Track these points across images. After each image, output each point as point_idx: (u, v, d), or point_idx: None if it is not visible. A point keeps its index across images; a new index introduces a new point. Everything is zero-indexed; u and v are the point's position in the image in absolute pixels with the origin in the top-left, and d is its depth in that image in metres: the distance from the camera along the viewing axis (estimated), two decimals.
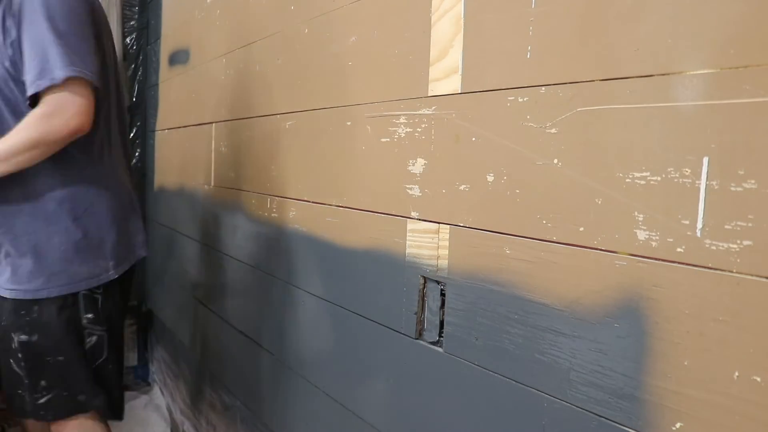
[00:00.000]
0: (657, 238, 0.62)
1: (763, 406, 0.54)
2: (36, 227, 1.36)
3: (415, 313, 0.98)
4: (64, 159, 1.34)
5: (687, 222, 0.60)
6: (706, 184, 0.58)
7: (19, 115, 1.29)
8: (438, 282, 0.94)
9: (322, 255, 1.25)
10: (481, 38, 0.85)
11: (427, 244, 0.95)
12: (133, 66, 2.71)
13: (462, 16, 0.88)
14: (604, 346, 0.68)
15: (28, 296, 1.35)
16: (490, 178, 0.83)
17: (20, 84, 1.28)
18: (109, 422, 1.50)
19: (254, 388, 1.62)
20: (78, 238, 1.37)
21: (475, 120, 0.86)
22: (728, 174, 0.56)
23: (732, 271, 0.56)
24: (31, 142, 1.24)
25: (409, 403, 1.00)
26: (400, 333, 1.01)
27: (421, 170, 0.96)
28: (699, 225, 0.59)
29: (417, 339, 0.98)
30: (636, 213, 0.65)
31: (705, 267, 0.58)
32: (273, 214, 1.47)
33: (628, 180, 0.65)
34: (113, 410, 1.47)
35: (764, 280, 0.54)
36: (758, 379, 0.54)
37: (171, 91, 2.35)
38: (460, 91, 0.89)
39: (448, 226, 0.91)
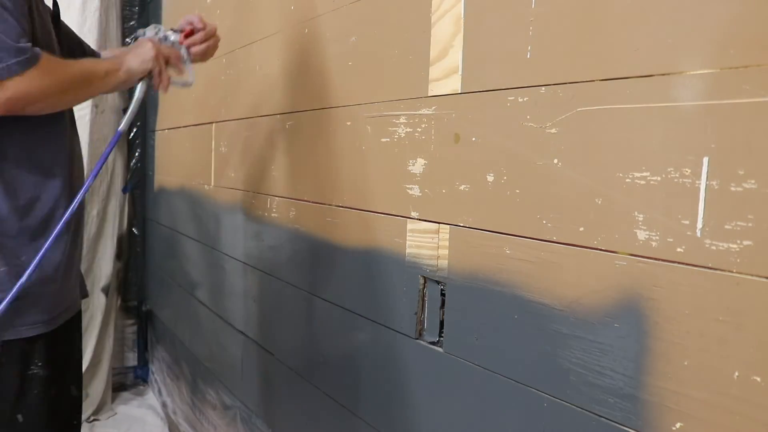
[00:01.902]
0: (657, 238, 0.62)
1: (763, 406, 0.54)
2: None
3: (415, 313, 0.98)
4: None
5: (687, 222, 0.60)
6: (706, 184, 0.58)
7: None
8: (438, 282, 0.94)
9: (321, 255, 1.25)
10: (481, 38, 0.85)
11: (427, 244, 0.95)
12: None
13: (462, 16, 0.88)
14: (604, 346, 0.68)
15: None
16: (490, 178, 0.83)
17: None
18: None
19: (254, 388, 1.62)
20: None
21: (475, 120, 0.86)
22: (728, 174, 0.56)
23: (732, 271, 0.56)
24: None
25: (409, 403, 1.00)
26: (400, 333, 1.01)
27: (421, 170, 0.96)
28: (699, 225, 0.59)
29: (417, 339, 0.98)
30: (636, 213, 0.65)
31: (705, 267, 0.58)
32: (273, 214, 1.47)
33: (628, 180, 0.65)
34: None
35: (764, 280, 0.54)
36: (758, 379, 0.54)
37: (171, 91, 2.34)
38: (460, 91, 0.89)
39: (448, 226, 0.91)
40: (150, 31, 1.29)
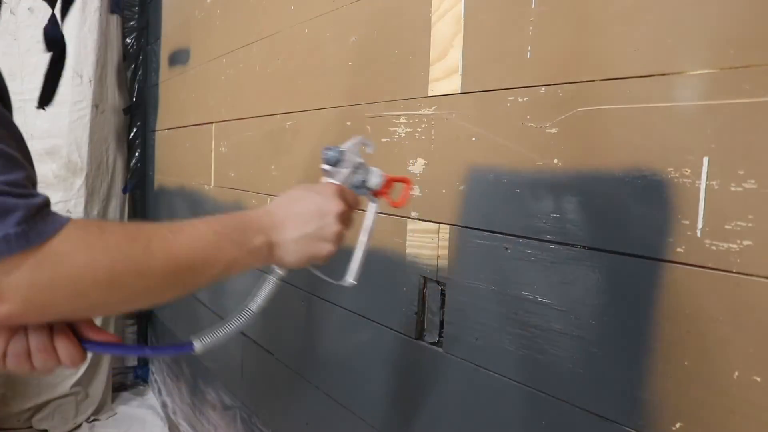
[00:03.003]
0: (657, 238, 0.62)
1: (763, 406, 0.54)
2: None
3: (416, 314, 0.98)
4: None
5: (687, 222, 0.60)
6: (706, 184, 0.58)
7: None
8: (438, 282, 0.94)
9: None
10: (481, 38, 0.85)
11: (427, 244, 0.95)
12: (133, 66, 2.71)
13: (462, 16, 0.88)
14: (604, 346, 0.68)
15: None
16: (490, 178, 0.83)
17: None
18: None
19: (254, 388, 1.62)
20: None
21: (475, 120, 0.86)
22: (728, 174, 0.56)
23: (732, 271, 0.56)
24: None
25: (409, 403, 1.00)
26: (401, 333, 1.01)
27: (421, 170, 0.96)
28: (699, 225, 0.59)
29: (417, 339, 0.98)
30: (636, 213, 0.65)
31: (705, 267, 0.58)
32: None
33: (628, 180, 0.65)
34: None
35: (764, 280, 0.54)
36: (758, 379, 0.54)
37: (171, 91, 2.34)
38: (460, 91, 0.89)
39: (448, 226, 0.91)
40: (348, 155, 0.72)
